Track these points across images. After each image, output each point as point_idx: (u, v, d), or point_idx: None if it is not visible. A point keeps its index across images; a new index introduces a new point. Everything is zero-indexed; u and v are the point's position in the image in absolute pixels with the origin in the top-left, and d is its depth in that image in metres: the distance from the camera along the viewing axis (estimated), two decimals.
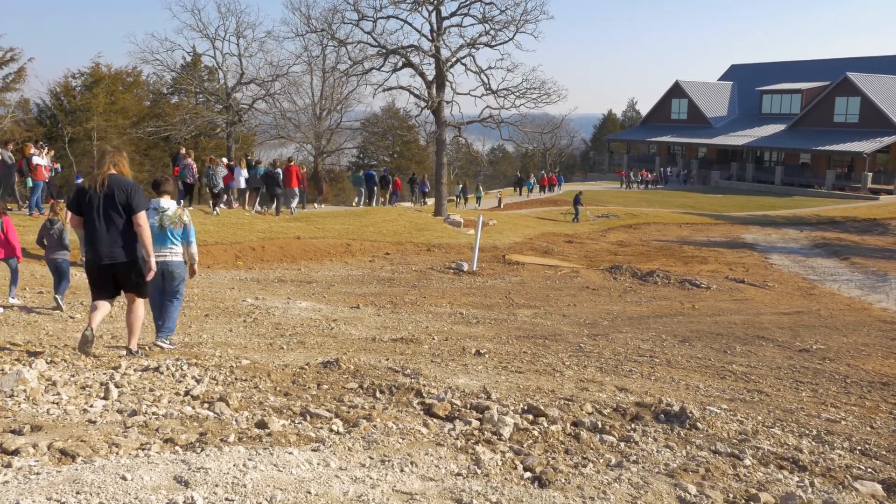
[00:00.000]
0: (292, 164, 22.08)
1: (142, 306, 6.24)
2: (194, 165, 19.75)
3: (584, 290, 14.48)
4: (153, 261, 5.94)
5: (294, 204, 22.28)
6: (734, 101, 59.66)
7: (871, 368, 8.27)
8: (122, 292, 6.10)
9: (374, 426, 4.38)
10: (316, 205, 26.54)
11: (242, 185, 21.13)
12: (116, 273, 5.87)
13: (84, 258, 6.13)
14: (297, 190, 22.13)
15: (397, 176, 34.06)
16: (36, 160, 16.08)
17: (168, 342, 6.72)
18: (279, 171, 21.04)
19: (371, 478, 3.43)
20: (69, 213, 5.97)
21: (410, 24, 27.54)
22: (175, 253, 6.66)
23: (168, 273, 6.59)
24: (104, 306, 5.97)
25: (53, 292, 9.70)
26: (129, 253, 5.83)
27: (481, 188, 42.73)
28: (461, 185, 41.76)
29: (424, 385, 5.56)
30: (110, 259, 5.77)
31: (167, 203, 6.66)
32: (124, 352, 6.23)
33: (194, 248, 6.80)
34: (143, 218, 5.84)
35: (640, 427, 4.88)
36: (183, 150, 20.02)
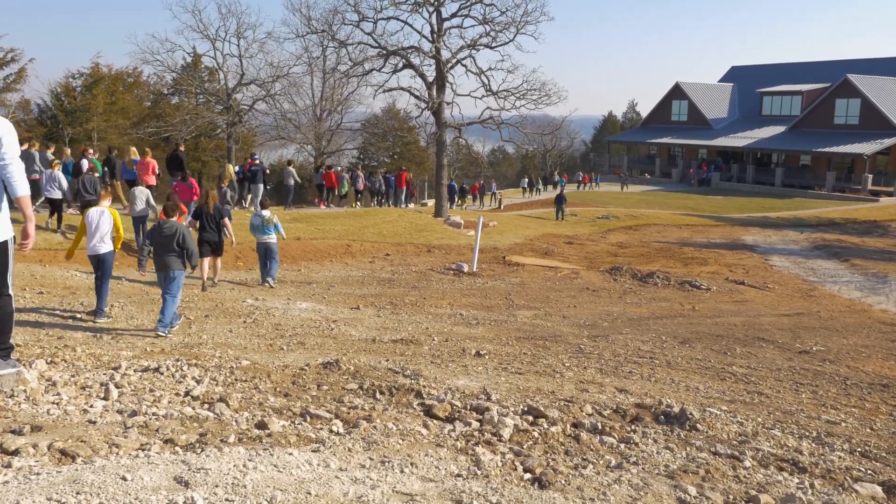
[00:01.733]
0: (404, 171, 30.79)
1: (219, 262, 12.71)
2: (362, 175, 28.43)
3: (584, 291, 14.48)
4: (232, 237, 13.01)
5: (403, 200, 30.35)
6: (734, 102, 59.64)
7: (871, 370, 8.27)
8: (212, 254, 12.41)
9: (374, 427, 4.38)
10: (412, 205, 32.37)
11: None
12: (212, 245, 12.26)
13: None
14: (403, 190, 30.14)
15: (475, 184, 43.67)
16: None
17: (273, 282, 13.11)
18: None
19: (371, 479, 3.43)
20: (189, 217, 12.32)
21: (411, 26, 27.52)
22: (271, 238, 13.10)
23: (269, 248, 13.09)
24: (207, 261, 12.19)
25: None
26: (219, 237, 12.38)
27: (540, 181, 49.98)
28: (527, 178, 48.07)
29: (424, 386, 5.56)
30: (211, 239, 12.23)
31: (266, 213, 13.28)
32: (210, 282, 12.26)
33: (282, 233, 13.50)
34: (227, 222, 12.60)
35: (640, 428, 4.88)
36: (340, 167, 28.40)
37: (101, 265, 9.01)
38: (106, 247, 9.05)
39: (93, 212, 9.14)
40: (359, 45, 28.22)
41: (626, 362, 7.85)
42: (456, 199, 36.96)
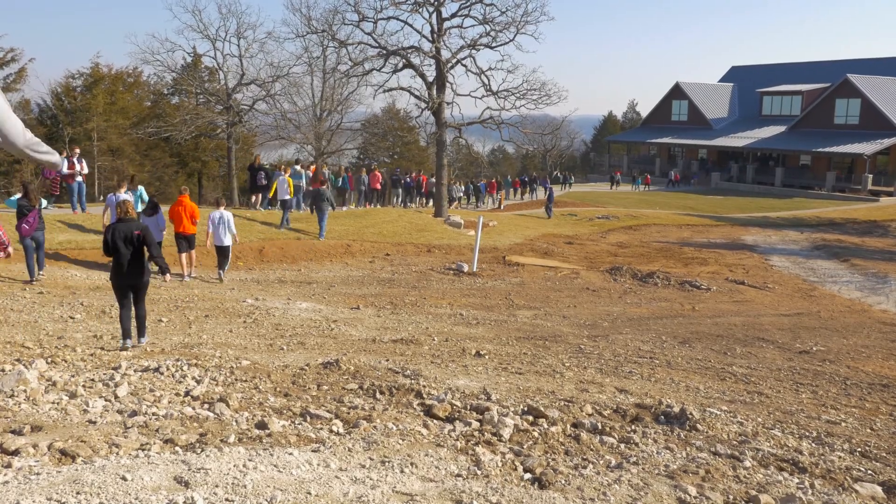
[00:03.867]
0: (494, 180, 36.77)
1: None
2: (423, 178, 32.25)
3: (585, 291, 14.48)
4: None
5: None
6: (734, 102, 59.64)
7: (871, 370, 8.26)
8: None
9: (375, 427, 4.38)
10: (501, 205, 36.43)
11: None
12: None
13: None
14: (494, 196, 36.17)
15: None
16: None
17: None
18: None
19: (371, 479, 3.43)
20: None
21: (411, 26, 27.44)
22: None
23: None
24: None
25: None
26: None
27: (573, 176, 52.63)
28: (560, 176, 50.75)
29: (424, 386, 5.55)
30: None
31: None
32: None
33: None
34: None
35: (640, 428, 4.88)
36: (418, 173, 32.41)
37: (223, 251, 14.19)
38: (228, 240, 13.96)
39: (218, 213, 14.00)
40: (359, 44, 28.17)
41: (626, 362, 7.85)
42: (527, 190, 40.99)
